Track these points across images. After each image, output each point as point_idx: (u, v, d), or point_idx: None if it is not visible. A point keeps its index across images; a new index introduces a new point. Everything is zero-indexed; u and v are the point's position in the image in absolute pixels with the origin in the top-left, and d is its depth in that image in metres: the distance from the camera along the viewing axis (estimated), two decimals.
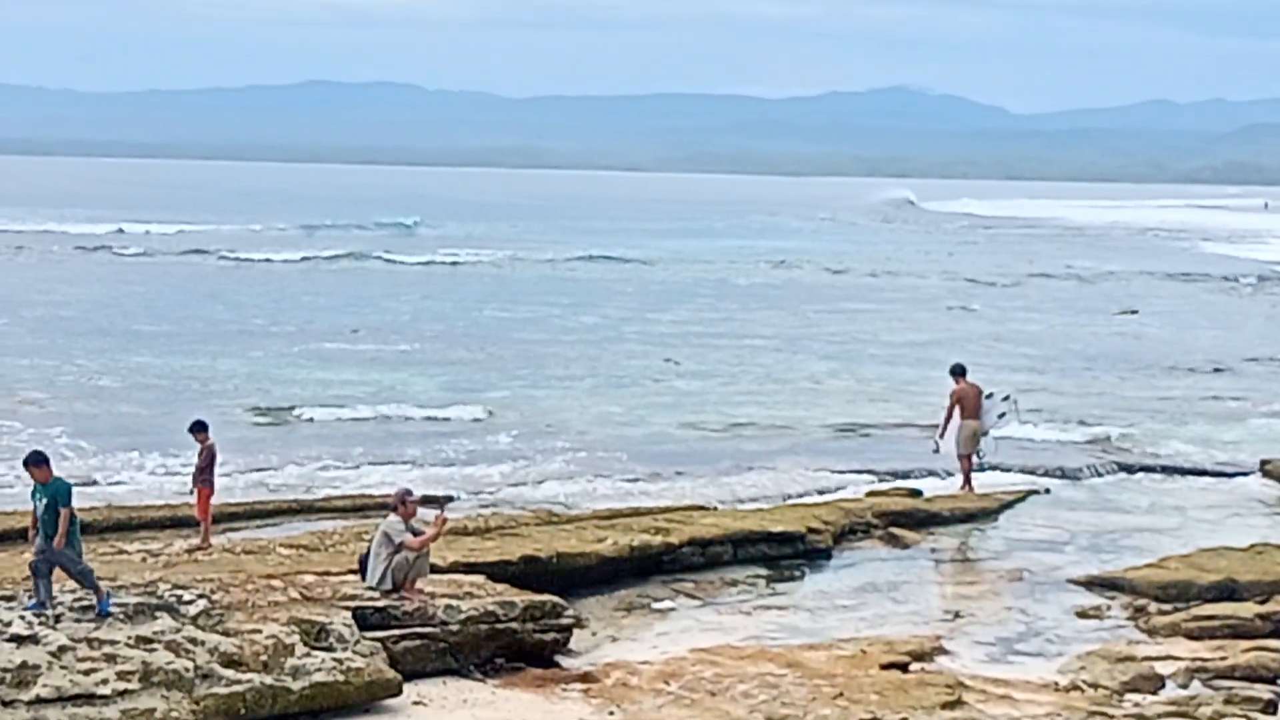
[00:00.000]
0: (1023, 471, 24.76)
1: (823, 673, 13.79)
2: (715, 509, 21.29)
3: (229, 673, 12.07)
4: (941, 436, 23.31)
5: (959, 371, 23.49)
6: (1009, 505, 22.46)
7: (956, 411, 23.15)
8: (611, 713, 12.89)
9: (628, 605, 17.01)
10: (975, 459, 23.38)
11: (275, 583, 14.39)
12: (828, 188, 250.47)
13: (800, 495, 22.79)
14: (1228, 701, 12.98)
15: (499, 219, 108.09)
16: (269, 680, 12.17)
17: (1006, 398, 23.73)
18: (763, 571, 18.65)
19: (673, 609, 16.94)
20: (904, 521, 21.06)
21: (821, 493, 23.18)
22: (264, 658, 12.34)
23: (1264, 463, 24.66)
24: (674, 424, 29.02)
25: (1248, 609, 16.59)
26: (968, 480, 23.30)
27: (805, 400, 32.18)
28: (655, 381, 34.57)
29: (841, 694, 13.06)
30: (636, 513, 20.59)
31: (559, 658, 14.59)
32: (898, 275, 68.72)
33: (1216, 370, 38.43)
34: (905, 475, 24.33)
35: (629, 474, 24.49)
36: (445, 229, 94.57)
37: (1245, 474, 25.06)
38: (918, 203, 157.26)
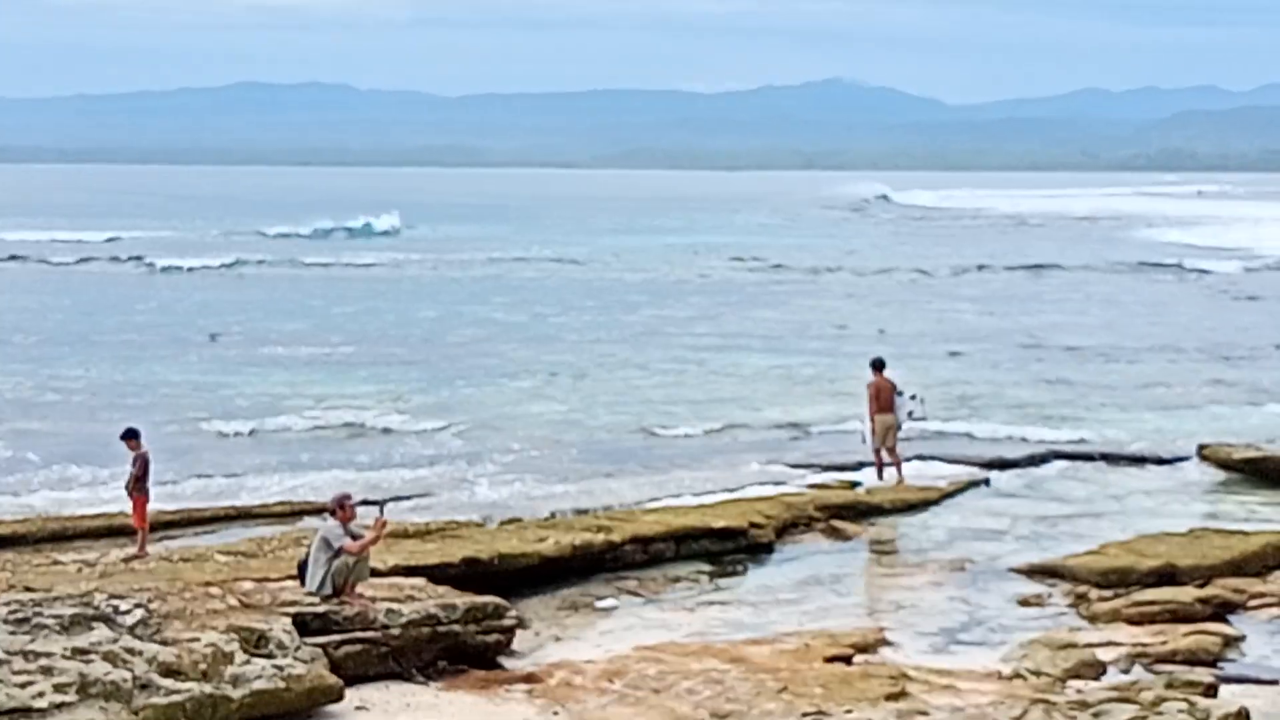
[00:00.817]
0: (963, 462, 24.83)
1: (767, 667, 13.77)
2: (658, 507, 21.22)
3: (168, 682, 11.91)
4: (871, 431, 23.43)
5: (878, 365, 23.76)
6: (950, 496, 22.57)
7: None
8: (556, 713, 12.83)
9: (571, 605, 16.95)
10: (893, 451, 23.51)
11: (214, 590, 14.23)
12: (779, 182, 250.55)
13: (742, 490, 22.73)
14: (1169, 685, 13.04)
15: (442, 220, 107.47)
16: (208, 689, 12.02)
17: (914, 396, 23.92)
18: (706, 567, 18.64)
19: (616, 607, 16.90)
20: (845, 514, 21.11)
21: (763, 487, 23.12)
22: (203, 666, 12.20)
23: (1201, 447, 24.82)
24: (616, 422, 28.96)
25: (1187, 593, 16.73)
26: (879, 470, 23.50)
27: (748, 396, 32.16)
28: (597, 380, 34.48)
29: (786, 688, 13.04)
30: (579, 511, 20.58)
31: (502, 659, 14.51)
32: (842, 270, 68.81)
33: (1153, 357, 38.73)
34: (845, 468, 24.34)
35: (570, 473, 24.39)
36: (386, 230, 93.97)
37: (1183, 459, 25.22)
38: (891, 197, 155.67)
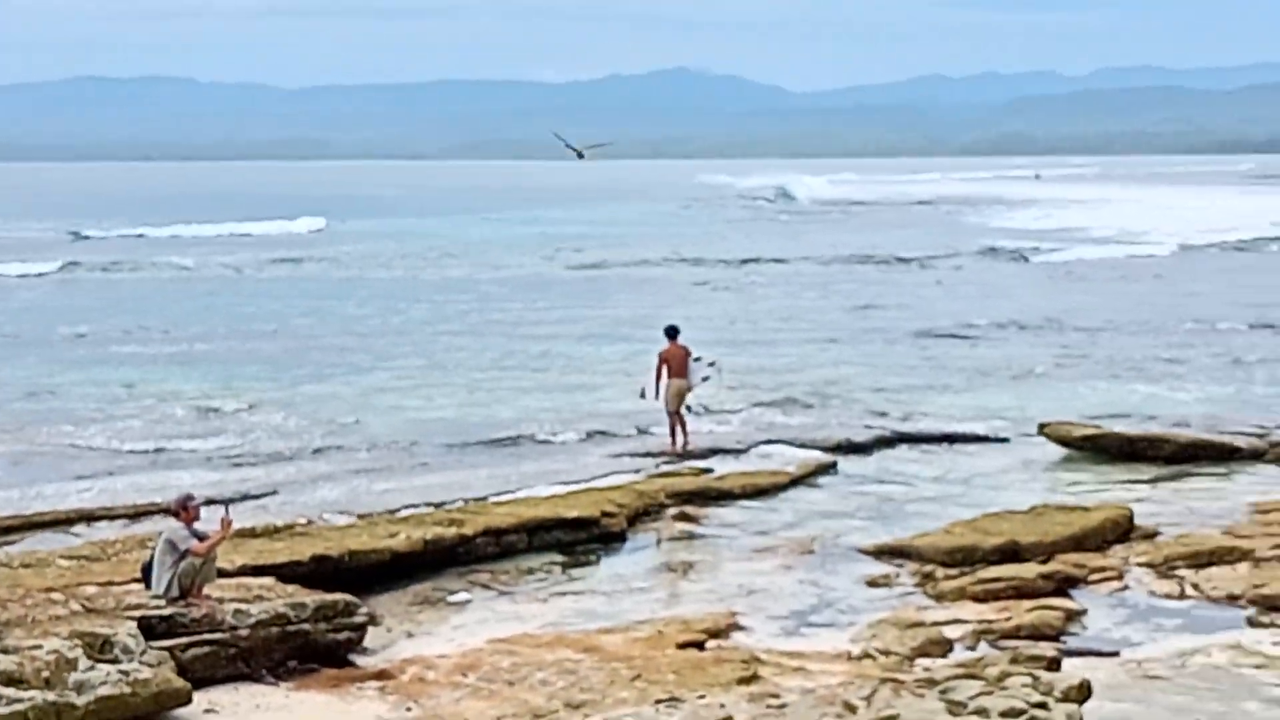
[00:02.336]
0: (811, 446, 25.05)
1: (620, 655, 13.83)
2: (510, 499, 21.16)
3: (9, 691, 11.64)
4: (656, 394, 24.65)
5: (671, 333, 24.98)
6: (799, 480, 22.77)
7: (665, 370, 24.57)
8: (409, 708, 12.76)
9: (423, 600, 16.85)
10: (685, 414, 24.94)
11: (55, 596, 13.95)
12: (638, 171, 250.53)
13: (594, 480, 22.76)
14: (1013, 661, 13.29)
15: (290, 213, 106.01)
16: (52, 697, 11.77)
17: (712, 363, 25.13)
18: (558, 558, 18.63)
19: (469, 601, 16.83)
20: (696, 500, 21.25)
21: (615, 476, 23.15)
22: (46, 674, 11.94)
23: (1042, 425, 25.32)
24: (468, 416, 28.78)
25: (1030, 569, 17.09)
26: (672, 434, 24.69)
27: (597, 385, 32.17)
28: (450, 374, 34.27)
29: (639, 676, 13.11)
30: (430, 505, 20.45)
31: (354, 656, 14.39)
32: (683, 261, 69.10)
33: (995, 339, 39.46)
34: (695, 455, 24.48)
35: (421, 467, 24.22)
36: (225, 227, 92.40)
37: (1024, 437, 25.74)
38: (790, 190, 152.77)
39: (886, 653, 14.22)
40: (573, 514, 19.37)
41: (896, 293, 52.34)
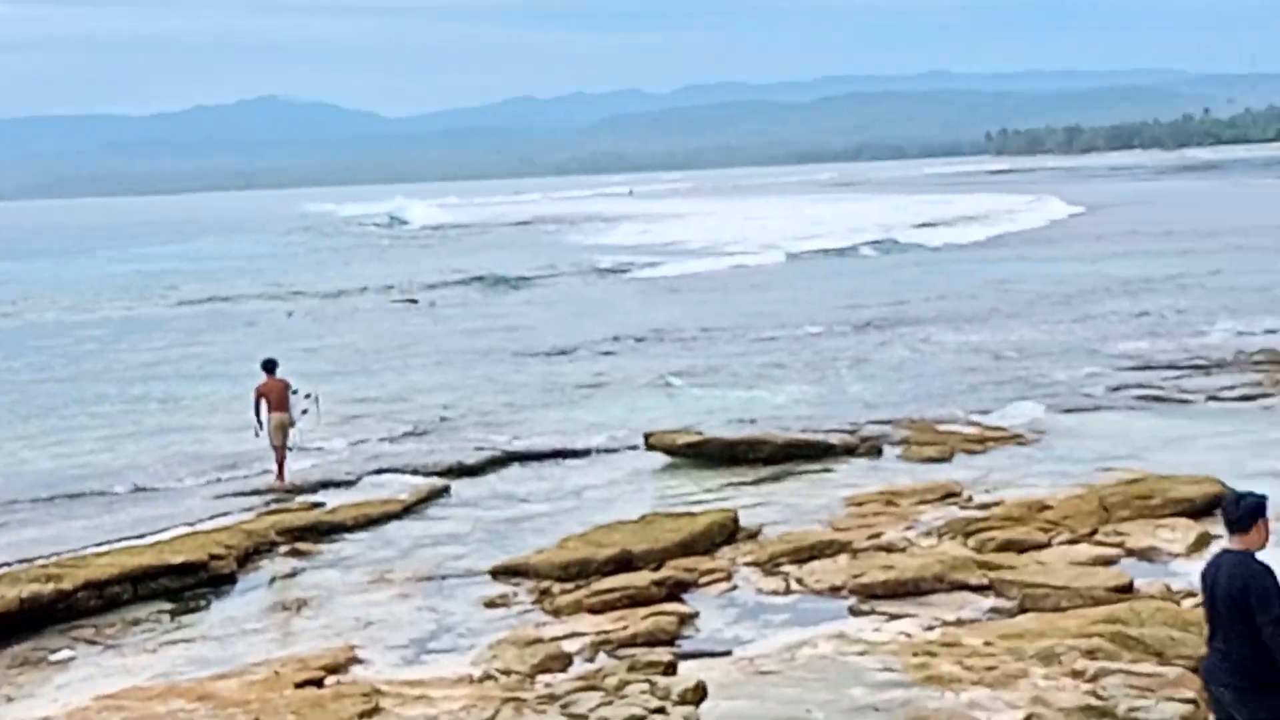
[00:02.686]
0: (422, 472, 24.95)
1: (236, 700, 13.42)
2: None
3: None
4: (261, 428, 24.32)
5: (268, 367, 24.72)
6: (411, 507, 22.61)
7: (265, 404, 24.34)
8: None
9: (22, 661, 16.00)
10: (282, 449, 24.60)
11: None
12: (236, 203, 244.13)
13: (199, 522, 22.07)
14: (631, 669, 13.52)
15: None
16: None
17: (309, 395, 24.86)
18: (167, 606, 17.98)
19: (72, 658, 16.07)
20: (308, 535, 20.86)
21: (222, 518, 22.51)
22: None
23: (647, 435, 25.87)
24: (62, 465, 27.54)
25: (643, 577, 17.40)
26: (279, 469, 24.42)
27: (198, 426, 31.26)
28: (38, 421, 32.73)
29: (257, 719, 12.76)
30: (24, 560, 19.45)
31: None
32: (284, 292, 67.92)
33: (598, 354, 40.12)
34: (304, 489, 24.06)
35: (13, 521, 23.02)
36: None
37: (631, 448, 26.23)
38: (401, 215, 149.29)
39: (508, 672, 14.24)
40: (179, 559, 18.74)
41: (501, 314, 52.67)
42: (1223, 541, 9.18)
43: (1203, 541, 18.09)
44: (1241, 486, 20.06)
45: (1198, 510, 19.37)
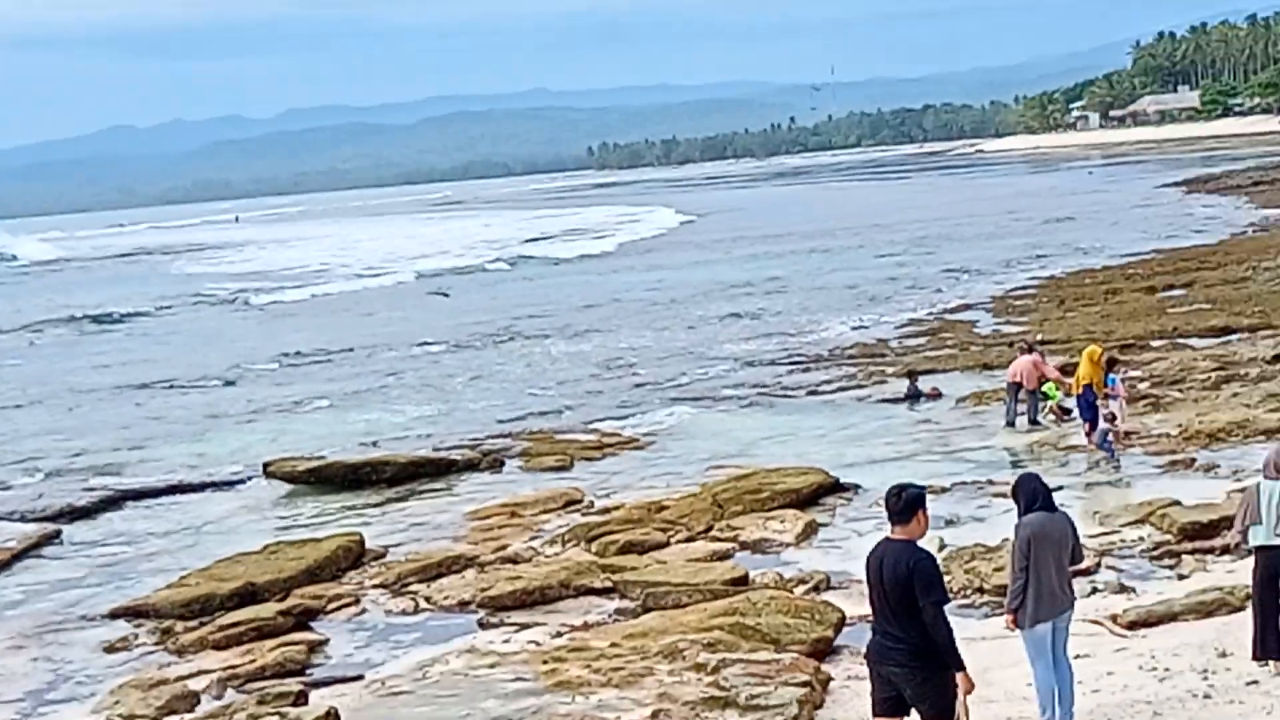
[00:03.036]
0: (31, 519, 23.92)
1: None
2: None
3: None
4: None
5: None
6: (20, 556, 21.62)
7: None
8: None
9: None
10: None
11: None
12: None
13: None
14: (261, 702, 13.35)
15: None
16: None
17: None
18: None
19: None
20: None
21: None
22: None
23: (266, 465, 25.46)
24: None
25: (269, 609, 17.15)
26: None
27: None
28: None
29: None
30: None
31: None
32: None
33: (211, 386, 39.20)
34: None
35: None
36: None
37: (250, 479, 25.76)
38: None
39: (132, 717, 13.85)
40: None
41: (114, 349, 50.84)
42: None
43: (810, 530, 18.98)
44: (843, 476, 21.24)
45: (804, 501, 20.30)
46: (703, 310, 47.71)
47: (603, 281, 62.78)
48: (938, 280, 50.88)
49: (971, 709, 9.24)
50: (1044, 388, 24.60)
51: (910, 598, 9.06)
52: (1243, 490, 13.30)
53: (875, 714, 9.53)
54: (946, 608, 9.19)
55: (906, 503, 9.28)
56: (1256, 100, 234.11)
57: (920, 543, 9.35)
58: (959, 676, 9.15)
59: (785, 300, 48.81)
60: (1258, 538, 11.63)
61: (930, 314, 41.29)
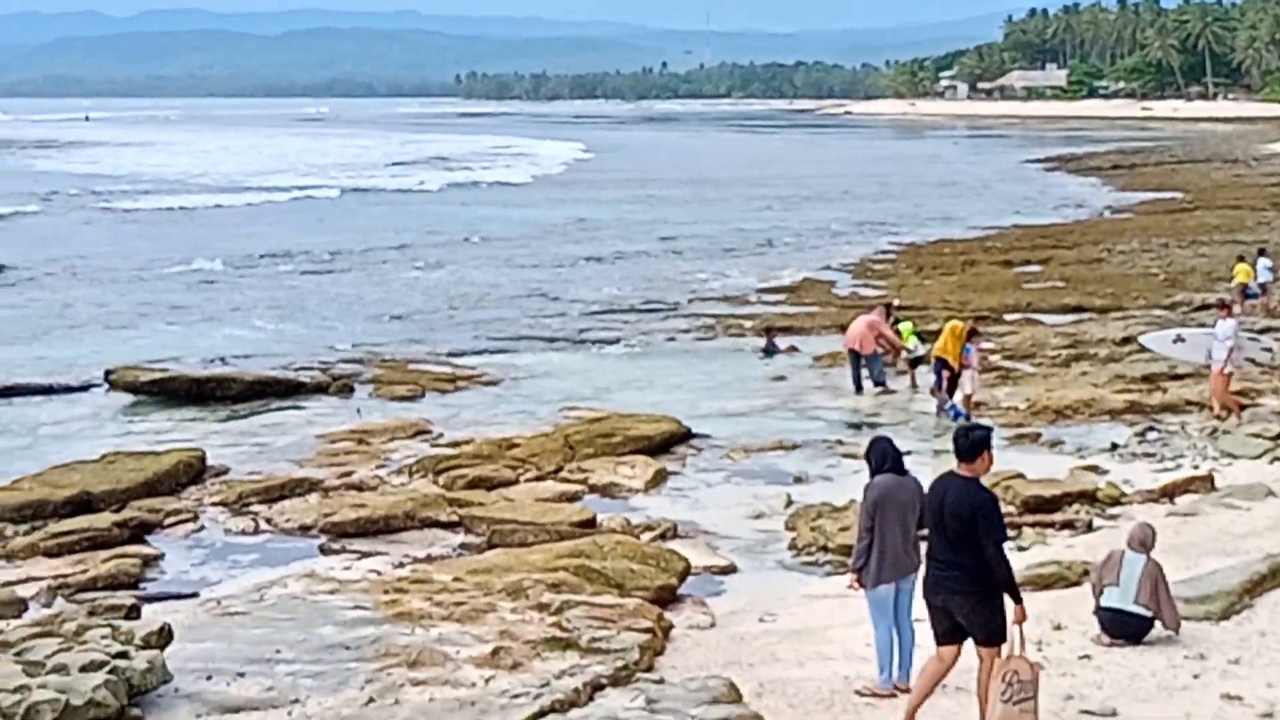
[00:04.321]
0: None
1: None
2: None
3: None
4: None
5: None
6: None
7: None
8: None
9: None
10: None
11: None
12: None
13: None
14: (91, 613, 13.00)
15: None
16: None
17: None
18: None
19: None
20: None
21: None
22: None
23: (109, 373, 24.86)
24: None
25: (105, 519, 16.78)
26: None
27: None
28: None
29: None
30: None
31: None
32: None
33: (60, 285, 38.27)
34: None
35: None
36: None
37: (91, 387, 25.14)
38: None
39: None
40: None
41: None
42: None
43: (660, 478, 18.98)
44: (695, 426, 21.26)
45: (655, 448, 20.29)
46: (566, 249, 47.50)
47: (469, 212, 62.02)
48: (800, 238, 51.11)
49: (810, 667, 9.30)
50: (900, 328, 25.06)
51: (970, 530, 9.47)
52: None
53: (938, 644, 9.98)
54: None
55: (973, 442, 9.64)
56: (1121, 84, 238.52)
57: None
58: (1016, 608, 9.59)
59: (649, 245, 48.73)
60: (1111, 599, 11.92)
61: (790, 271, 41.46)
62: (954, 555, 9.60)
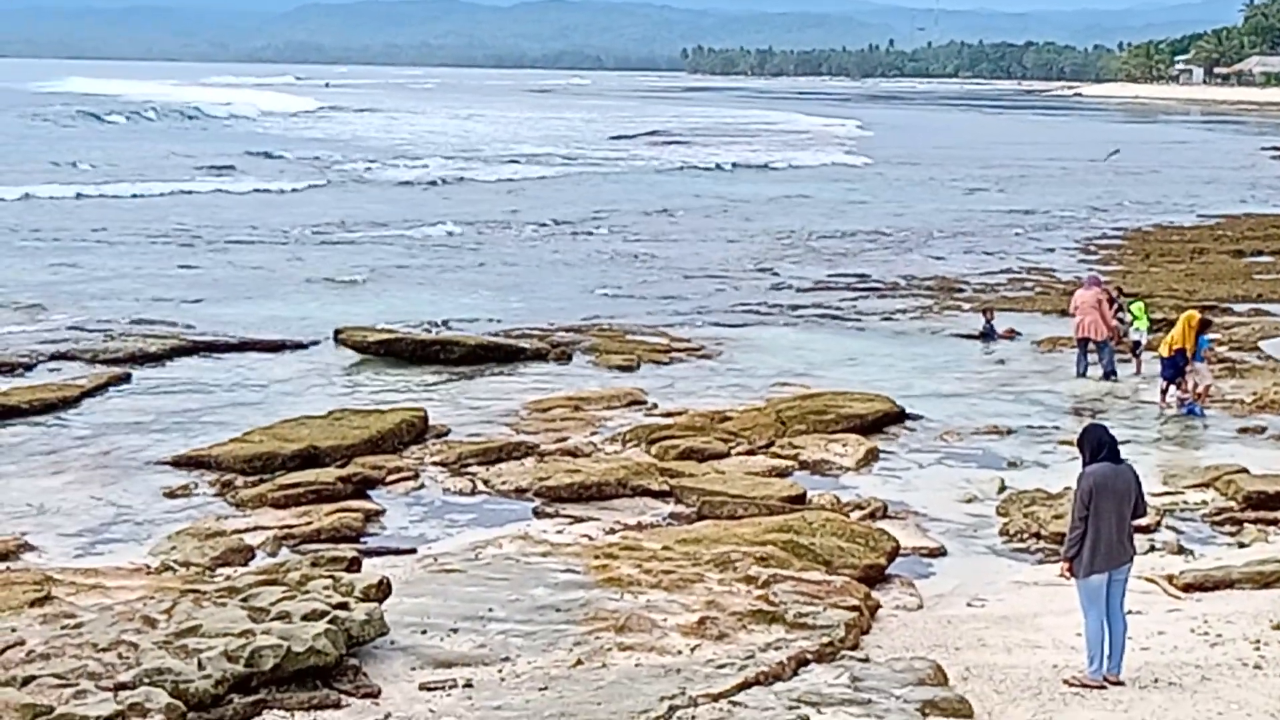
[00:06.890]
0: (102, 359, 24.14)
1: None
2: None
3: None
4: None
5: None
6: (90, 394, 21.87)
7: None
8: None
9: None
10: None
11: None
12: None
13: None
14: (314, 564, 13.45)
15: None
16: None
17: None
18: None
19: None
20: None
21: None
22: None
23: (338, 331, 25.64)
24: None
25: (330, 474, 17.32)
26: None
27: None
28: None
29: None
30: None
31: None
32: None
33: (292, 248, 39.38)
34: None
35: None
36: None
37: (319, 343, 25.93)
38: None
39: (187, 564, 14.03)
40: None
41: (183, 205, 51.10)
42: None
43: (871, 456, 18.93)
44: (909, 406, 21.15)
45: (867, 427, 20.23)
46: (786, 222, 47.38)
47: (713, 188, 61.77)
48: (1024, 220, 50.16)
49: (1018, 655, 9.20)
50: (1132, 308, 24.76)
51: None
52: None
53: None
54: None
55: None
56: None
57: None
58: None
59: (867, 222, 48.34)
60: None
61: (1013, 253, 40.76)
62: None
